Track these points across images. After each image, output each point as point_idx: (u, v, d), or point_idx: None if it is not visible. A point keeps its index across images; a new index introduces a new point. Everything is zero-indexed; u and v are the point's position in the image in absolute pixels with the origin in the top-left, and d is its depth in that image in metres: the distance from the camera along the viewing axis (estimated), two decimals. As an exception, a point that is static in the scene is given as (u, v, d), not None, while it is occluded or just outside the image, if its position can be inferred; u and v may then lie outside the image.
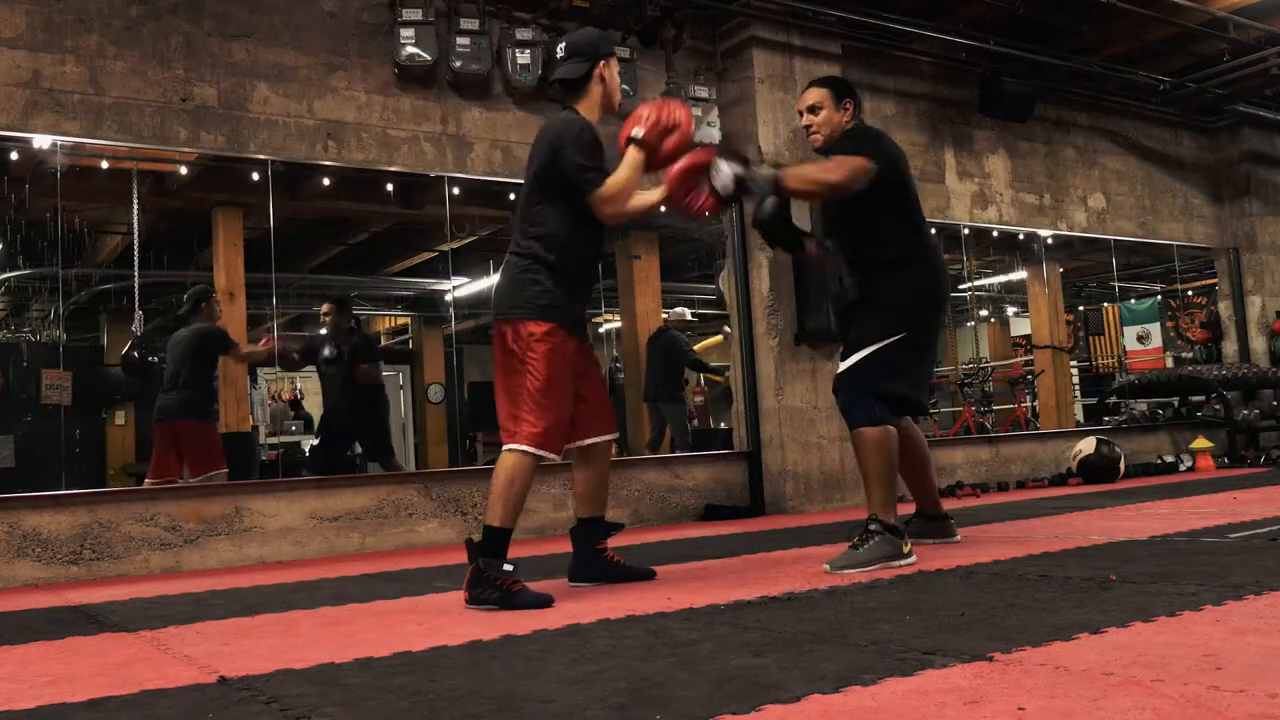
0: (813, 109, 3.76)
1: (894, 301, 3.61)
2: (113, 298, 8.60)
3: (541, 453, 3.10)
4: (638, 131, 3.23)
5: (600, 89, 3.36)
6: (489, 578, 2.97)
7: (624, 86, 3.84)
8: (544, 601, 2.97)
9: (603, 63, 3.35)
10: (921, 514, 4.06)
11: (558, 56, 3.40)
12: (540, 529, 5.89)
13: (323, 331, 6.97)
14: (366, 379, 6.81)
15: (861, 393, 3.54)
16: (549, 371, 3.13)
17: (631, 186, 3.22)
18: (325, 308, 7.01)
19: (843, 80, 3.93)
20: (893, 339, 3.54)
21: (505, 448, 3.13)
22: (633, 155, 3.23)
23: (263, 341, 6.34)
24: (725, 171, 3.32)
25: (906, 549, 3.47)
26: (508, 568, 2.99)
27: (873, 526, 3.45)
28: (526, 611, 2.88)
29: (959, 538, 4.07)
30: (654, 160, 3.27)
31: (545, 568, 3.80)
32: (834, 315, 3.98)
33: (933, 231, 3.92)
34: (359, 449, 6.94)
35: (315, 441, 7.20)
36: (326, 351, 6.67)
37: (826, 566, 3.39)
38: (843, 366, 3.63)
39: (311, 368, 7.51)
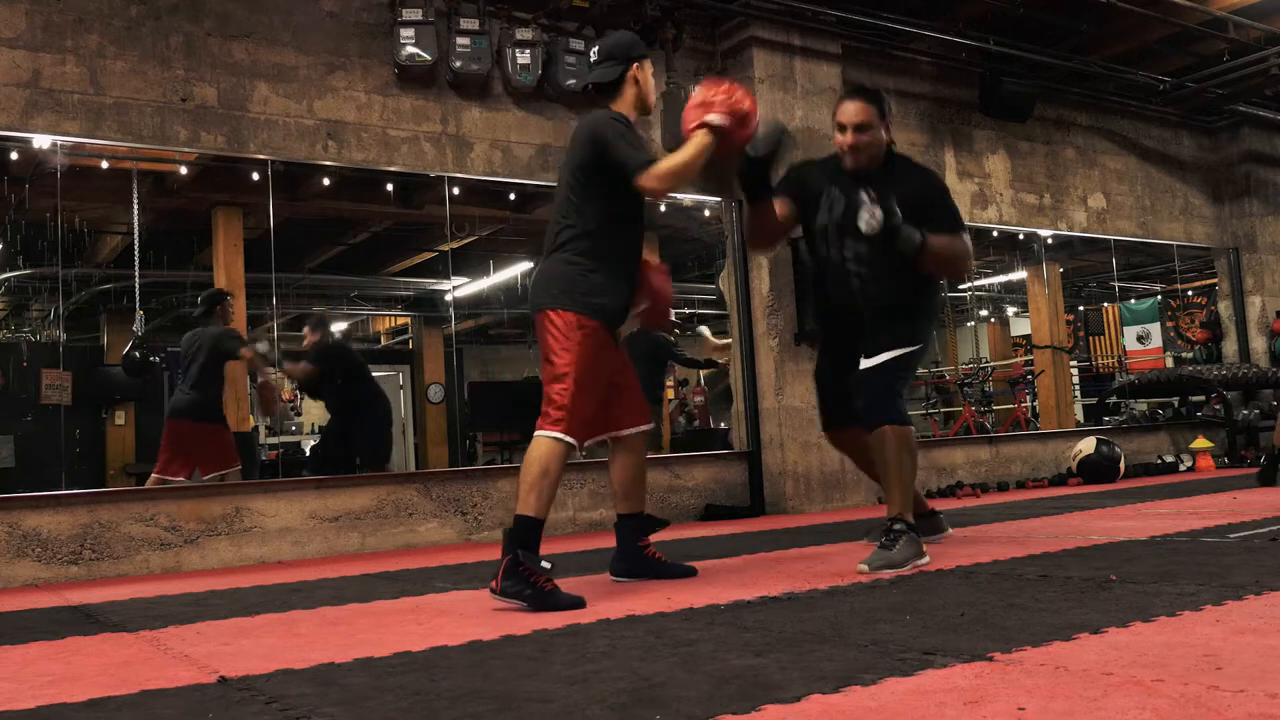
0: (861, 127, 3.57)
1: (923, 313, 3.70)
2: (113, 298, 8.61)
3: (571, 439, 3.09)
4: (714, 118, 3.13)
5: (634, 90, 3.37)
6: (525, 572, 2.89)
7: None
8: (577, 604, 2.90)
9: (636, 65, 3.36)
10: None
11: (592, 61, 3.43)
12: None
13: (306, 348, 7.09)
14: (301, 374, 7.02)
15: (888, 391, 3.60)
16: (584, 361, 3.12)
17: (689, 169, 3.13)
18: (306, 330, 7.20)
19: (883, 95, 3.72)
20: (915, 348, 3.63)
21: (537, 433, 3.10)
22: (701, 139, 3.13)
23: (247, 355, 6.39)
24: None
25: (924, 548, 3.52)
26: (546, 565, 2.92)
27: (898, 526, 3.45)
28: (528, 611, 2.87)
29: (950, 531, 4.12)
30: (724, 148, 3.17)
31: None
32: (816, 313, 3.98)
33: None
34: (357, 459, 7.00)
35: (314, 443, 7.25)
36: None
37: (863, 567, 3.33)
38: (869, 364, 3.61)
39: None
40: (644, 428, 3.46)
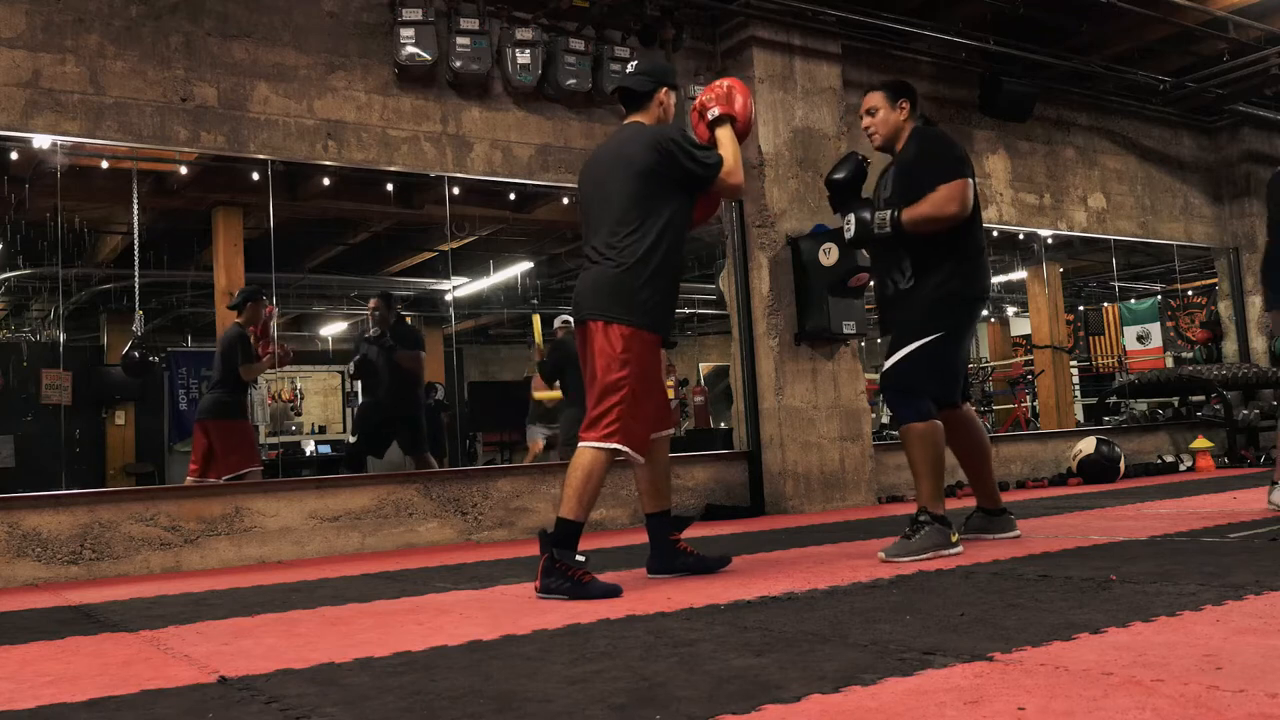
0: (870, 111, 3.93)
1: (935, 300, 3.74)
2: (113, 298, 8.62)
3: (620, 447, 3.23)
4: (713, 112, 3.51)
5: (659, 111, 3.56)
6: (562, 568, 3.09)
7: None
8: (613, 592, 3.08)
9: (665, 89, 3.56)
10: (981, 509, 4.15)
11: (628, 71, 3.64)
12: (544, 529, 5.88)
13: (370, 323, 7.11)
14: (408, 364, 6.92)
15: (906, 389, 3.70)
16: (642, 373, 3.27)
17: (739, 160, 3.45)
18: (372, 303, 7.20)
19: (899, 81, 4.05)
20: (931, 337, 3.68)
21: (581, 444, 3.26)
22: (724, 134, 3.49)
23: (263, 356, 6.41)
24: (853, 221, 3.77)
25: (954, 538, 3.61)
26: (580, 559, 3.12)
27: (922, 518, 3.61)
28: (528, 611, 2.88)
29: (1018, 532, 4.12)
30: (739, 127, 3.53)
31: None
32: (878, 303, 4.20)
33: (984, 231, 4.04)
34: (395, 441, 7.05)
35: (353, 439, 7.26)
36: (372, 332, 6.90)
37: (881, 555, 3.57)
38: (887, 364, 3.77)
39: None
40: (667, 432, 3.58)
